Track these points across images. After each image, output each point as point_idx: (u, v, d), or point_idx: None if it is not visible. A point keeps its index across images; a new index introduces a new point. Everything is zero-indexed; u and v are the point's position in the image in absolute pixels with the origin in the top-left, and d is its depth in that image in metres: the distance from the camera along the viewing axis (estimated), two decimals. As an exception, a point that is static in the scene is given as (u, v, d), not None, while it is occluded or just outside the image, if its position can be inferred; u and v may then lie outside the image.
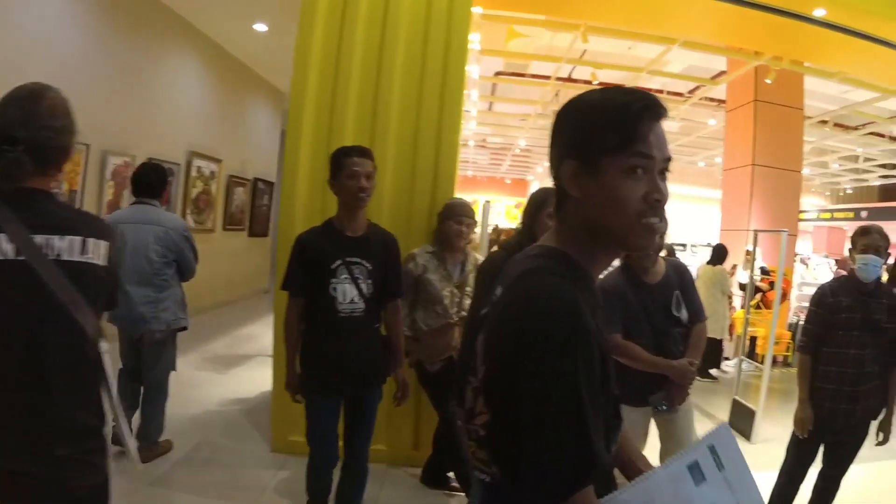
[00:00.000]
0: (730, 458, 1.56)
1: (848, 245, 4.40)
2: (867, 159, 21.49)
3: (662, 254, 11.36)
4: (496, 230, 15.86)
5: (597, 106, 1.51)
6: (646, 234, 1.46)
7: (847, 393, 4.13)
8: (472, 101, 16.33)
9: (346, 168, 3.59)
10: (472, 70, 13.09)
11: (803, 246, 28.27)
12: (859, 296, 4.19)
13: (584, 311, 1.36)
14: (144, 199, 5.14)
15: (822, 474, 4.49)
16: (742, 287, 10.80)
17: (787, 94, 12.20)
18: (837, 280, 4.55)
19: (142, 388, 5.26)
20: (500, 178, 38.48)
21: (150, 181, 5.18)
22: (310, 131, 5.42)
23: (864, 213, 26.86)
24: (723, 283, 10.23)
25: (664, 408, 4.05)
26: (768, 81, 11.02)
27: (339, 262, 3.65)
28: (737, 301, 11.38)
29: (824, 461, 4.46)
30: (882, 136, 18.52)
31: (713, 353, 10.31)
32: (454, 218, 4.80)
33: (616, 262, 4.10)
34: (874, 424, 4.35)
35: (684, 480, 1.46)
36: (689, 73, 14.05)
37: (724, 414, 7.97)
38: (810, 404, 4.25)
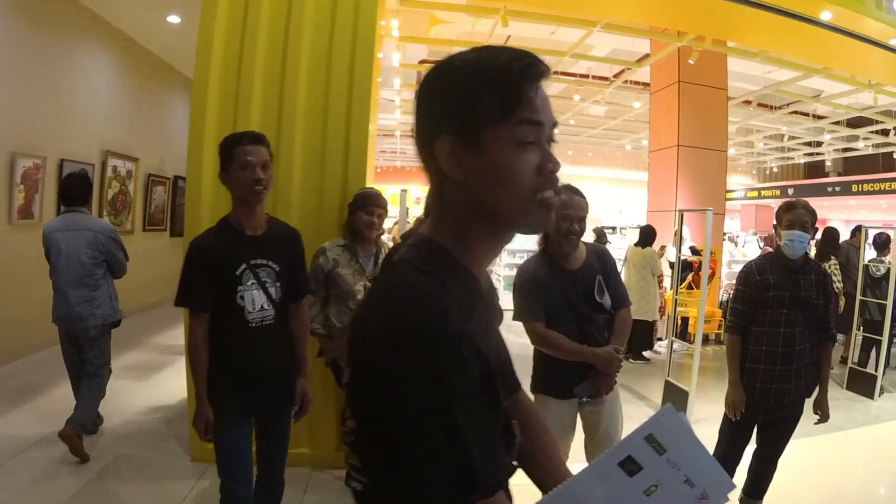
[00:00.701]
0: (673, 439, 1.34)
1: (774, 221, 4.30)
2: (792, 138, 21.81)
3: (591, 238, 11.34)
4: (419, 220, 15.47)
5: (471, 69, 1.23)
6: (543, 212, 1.24)
7: (779, 372, 4.02)
8: (395, 89, 16.17)
9: (238, 158, 3.15)
10: (394, 58, 13.00)
11: (733, 224, 28.73)
12: (787, 273, 4.07)
13: (451, 310, 1.13)
14: (73, 208, 5.46)
15: (756, 455, 4.38)
16: (672, 267, 10.78)
17: (711, 75, 12.28)
18: (764, 257, 4.41)
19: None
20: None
21: (76, 191, 5.48)
22: (214, 124, 5.04)
23: (790, 191, 27.42)
24: (653, 265, 10.13)
25: (589, 399, 3.87)
26: (691, 62, 11.04)
27: (243, 266, 3.22)
28: (667, 282, 11.37)
29: (758, 441, 4.36)
30: (806, 114, 18.82)
31: (645, 335, 10.35)
32: (364, 208, 4.55)
33: (536, 249, 4.02)
34: (810, 402, 4.26)
35: (615, 476, 1.30)
36: (614, 57, 14.05)
37: (657, 396, 7.91)
38: (741, 385, 4.13)
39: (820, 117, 18.76)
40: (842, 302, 9.41)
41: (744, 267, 4.40)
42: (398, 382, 1.08)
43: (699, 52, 10.82)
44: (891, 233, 9.04)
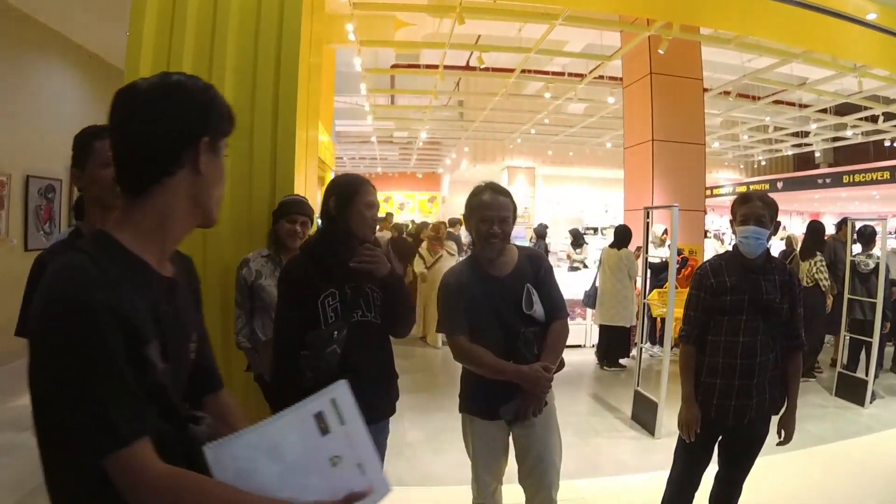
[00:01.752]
0: (350, 415, 1.63)
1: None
2: (778, 128, 21.26)
3: (567, 241, 10.52)
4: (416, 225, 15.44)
5: (197, 89, 1.60)
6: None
7: (738, 387, 3.55)
8: (362, 95, 15.61)
9: (100, 153, 2.75)
10: (355, 63, 12.79)
11: (722, 221, 28.32)
12: (746, 274, 3.59)
13: (98, 285, 1.37)
14: None
15: (718, 478, 3.90)
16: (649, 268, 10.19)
17: (684, 65, 11.79)
18: (720, 257, 3.85)
19: None
20: (411, 174, 38.15)
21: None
22: None
23: (779, 184, 27.06)
24: (629, 267, 9.52)
25: (511, 420, 3.39)
26: (661, 52, 10.49)
27: None
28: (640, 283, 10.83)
29: (720, 463, 3.85)
30: (792, 104, 18.33)
31: (621, 342, 9.81)
32: (287, 216, 4.36)
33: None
34: (776, 419, 3.72)
35: (311, 428, 1.56)
36: (587, 53, 13.55)
37: (628, 407, 7.36)
38: (696, 402, 3.66)
39: (805, 106, 18.20)
40: (829, 300, 8.87)
41: (697, 269, 3.87)
42: (44, 342, 1.35)
43: (669, 40, 10.27)
44: (879, 224, 8.36)
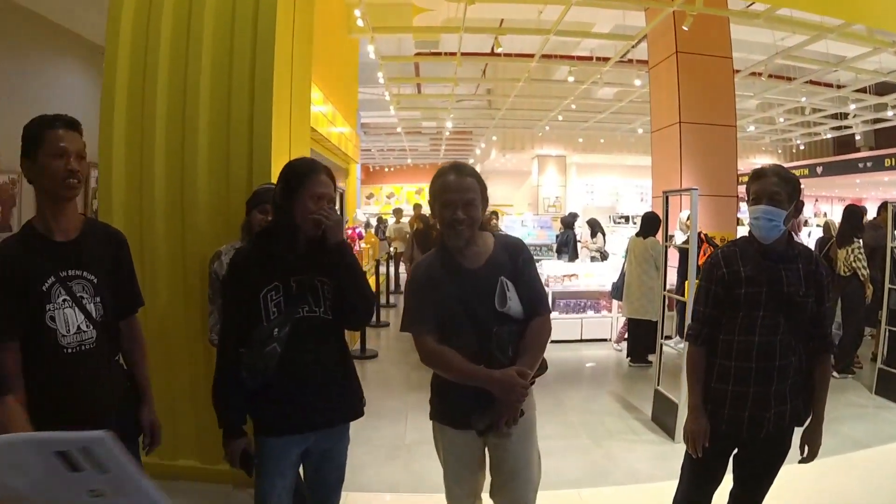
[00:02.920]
0: (115, 465, 1.52)
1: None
2: (815, 110, 20.48)
3: (586, 232, 10.06)
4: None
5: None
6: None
7: (754, 395, 3.03)
8: (381, 84, 15.38)
9: (50, 143, 2.64)
10: (370, 51, 12.43)
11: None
12: (764, 262, 3.05)
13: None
14: None
15: (732, 496, 3.38)
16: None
17: (712, 43, 11.26)
18: (735, 243, 3.31)
19: None
20: (443, 164, 37.72)
21: None
22: (122, 123, 4.93)
23: (819, 169, 26.32)
24: (656, 257, 8.93)
25: (482, 431, 2.99)
26: (685, 28, 9.97)
27: (51, 279, 2.66)
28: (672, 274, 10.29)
29: (734, 480, 3.33)
30: (830, 85, 17.63)
31: (649, 337, 9.09)
32: (258, 207, 4.08)
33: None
34: (800, 431, 3.21)
35: (54, 462, 1.48)
36: (613, 34, 13.10)
37: (650, 407, 6.89)
38: (704, 412, 3.16)
39: (841, 86, 17.47)
40: (869, 291, 8.27)
41: (708, 257, 3.34)
42: None
43: (693, 16, 9.71)
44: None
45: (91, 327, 2.75)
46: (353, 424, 3.16)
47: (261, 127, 4.81)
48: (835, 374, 8.38)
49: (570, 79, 14.43)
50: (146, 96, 4.90)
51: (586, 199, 29.35)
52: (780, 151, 30.61)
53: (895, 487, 5.09)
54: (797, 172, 26.86)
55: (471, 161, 35.64)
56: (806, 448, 3.17)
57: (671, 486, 3.44)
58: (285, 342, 2.84)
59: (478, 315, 2.95)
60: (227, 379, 2.89)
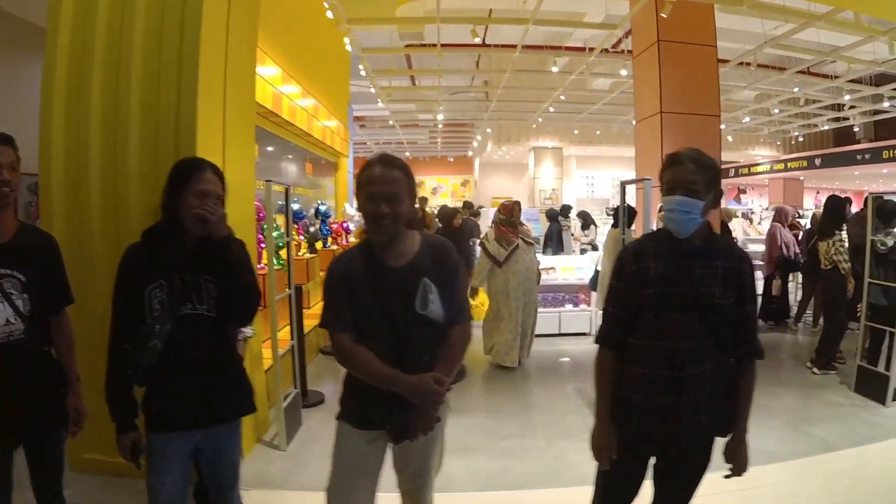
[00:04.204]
0: None
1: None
2: (810, 101, 20.22)
3: (578, 224, 9.69)
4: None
5: None
6: None
7: (663, 406, 2.74)
8: (364, 77, 15.26)
9: None
10: (345, 43, 12.35)
11: (762, 201, 27.36)
12: (678, 258, 2.75)
13: None
14: None
15: None
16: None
17: (695, 31, 10.97)
18: (650, 237, 3.02)
19: None
20: (442, 157, 37.66)
21: None
22: (61, 123, 4.88)
23: (817, 161, 26.10)
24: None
25: (395, 439, 2.88)
26: (664, 15, 9.80)
27: None
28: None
29: (654, 493, 3.03)
30: (825, 76, 17.36)
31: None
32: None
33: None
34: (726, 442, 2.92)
35: None
36: (596, 23, 12.85)
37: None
38: (610, 422, 2.89)
39: (836, 77, 17.19)
40: (850, 285, 8.04)
41: (619, 253, 3.05)
42: None
43: (672, 3, 9.50)
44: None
45: (19, 320, 2.99)
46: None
47: (186, 118, 4.69)
48: (815, 370, 8.18)
49: (555, 69, 14.16)
50: (83, 88, 4.82)
51: (586, 192, 29.28)
52: (778, 143, 30.43)
53: (862, 493, 4.84)
54: (795, 164, 26.85)
55: (469, 154, 35.60)
56: (732, 461, 2.89)
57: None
58: (166, 339, 2.87)
59: (396, 316, 2.82)
60: (116, 373, 2.94)
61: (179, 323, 2.90)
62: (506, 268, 8.48)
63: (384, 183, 2.78)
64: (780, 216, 11.74)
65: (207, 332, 2.99)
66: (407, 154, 36.16)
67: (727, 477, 2.88)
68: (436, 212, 10.97)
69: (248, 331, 4.09)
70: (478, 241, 10.77)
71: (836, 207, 8.34)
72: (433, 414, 2.72)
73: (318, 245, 9.41)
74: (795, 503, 4.66)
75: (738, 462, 2.86)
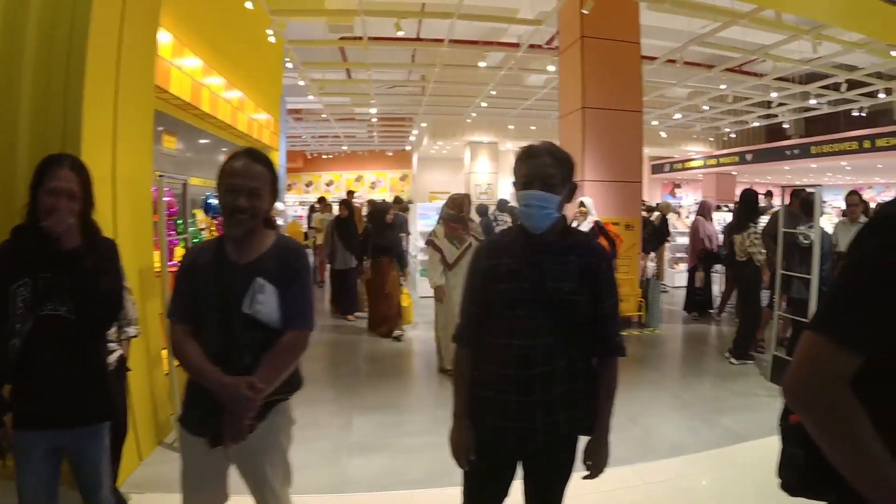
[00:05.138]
0: None
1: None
2: (739, 98, 20.55)
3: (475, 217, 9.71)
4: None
5: None
6: None
7: (515, 405, 2.66)
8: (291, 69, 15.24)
9: None
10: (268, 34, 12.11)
11: (696, 195, 27.71)
12: (530, 254, 2.69)
13: None
14: None
15: None
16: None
17: (619, 28, 11.08)
18: (505, 233, 3.03)
19: None
20: (380, 152, 37.46)
21: None
22: None
23: (748, 156, 26.53)
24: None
25: (211, 443, 2.77)
26: (585, 11, 9.91)
27: None
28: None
29: (524, 495, 2.92)
30: (753, 74, 17.65)
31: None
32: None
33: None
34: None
35: None
36: (536, 20, 12.84)
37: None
38: (467, 421, 2.80)
39: (762, 74, 17.47)
40: (766, 276, 8.28)
41: (476, 247, 3.06)
42: None
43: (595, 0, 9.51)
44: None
45: None
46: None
47: (73, 109, 4.49)
48: (732, 360, 8.33)
49: (482, 64, 14.20)
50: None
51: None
52: (711, 139, 30.94)
53: (762, 483, 4.86)
54: (728, 160, 27.29)
55: (407, 148, 35.45)
56: (590, 462, 2.81)
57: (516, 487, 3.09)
58: (25, 338, 2.84)
59: (229, 313, 2.75)
60: None
61: (40, 322, 2.86)
62: (457, 270, 7.64)
63: (246, 176, 2.74)
64: (702, 210, 11.96)
65: (66, 334, 2.92)
66: (344, 148, 35.94)
67: (585, 478, 2.81)
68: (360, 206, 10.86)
69: (131, 330, 3.98)
70: (407, 236, 10.68)
71: (749, 201, 8.50)
72: (242, 420, 2.63)
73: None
74: (698, 496, 4.69)
75: (597, 462, 2.79)
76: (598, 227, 8.92)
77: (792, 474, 1.77)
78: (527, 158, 2.71)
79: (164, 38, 7.35)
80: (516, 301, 2.65)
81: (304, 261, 2.94)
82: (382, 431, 5.99)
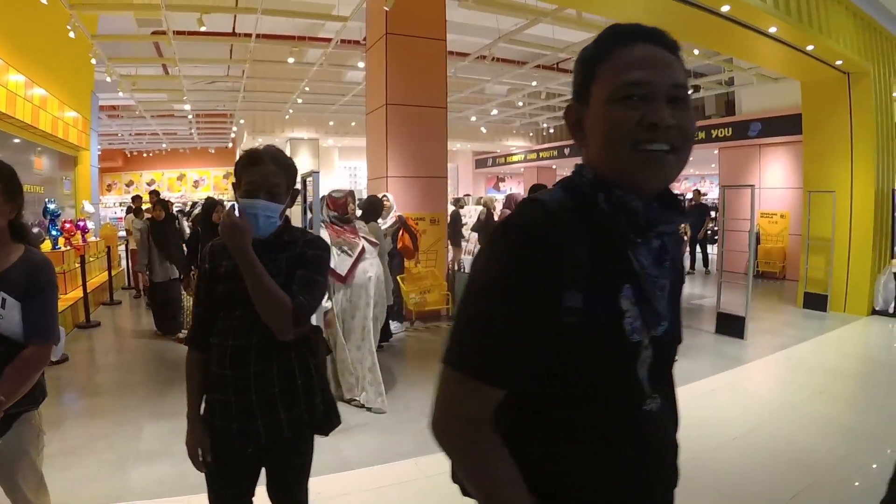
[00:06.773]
0: None
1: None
2: (552, 95, 21.20)
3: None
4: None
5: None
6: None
7: (237, 405, 2.64)
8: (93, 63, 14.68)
9: None
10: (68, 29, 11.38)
11: (519, 189, 28.40)
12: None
13: None
14: None
15: None
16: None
17: (424, 26, 11.20)
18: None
19: None
20: (202, 149, 36.44)
21: None
22: None
23: (566, 150, 27.47)
24: (381, 243, 8.59)
25: None
26: (386, 8, 10.01)
27: None
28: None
29: (268, 495, 2.90)
30: (568, 71, 18.19)
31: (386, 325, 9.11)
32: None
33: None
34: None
35: None
36: (361, 18, 12.76)
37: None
38: (200, 423, 2.75)
39: (569, 71, 18.05)
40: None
41: (202, 250, 3.00)
42: None
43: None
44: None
45: None
46: None
47: None
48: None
49: (291, 60, 14.10)
50: None
51: (350, 183, 29.36)
52: (531, 134, 31.80)
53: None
54: (547, 154, 28.15)
55: (230, 146, 34.68)
56: None
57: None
58: None
59: None
60: None
61: None
62: (357, 283, 6.45)
63: None
64: (509, 203, 12.26)
65: None
66: (164, 146, 34.79)
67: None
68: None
69: None
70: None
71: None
72: None
73: (45, 247, 8.80)
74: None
75: None
76: (402, 222, 8.98)
77: None
78: (251, 164, 2.67)
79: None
80: (233, 301, 2.64)
81: (50, 275, 2.86)
82: (171, 438, 5.83)
